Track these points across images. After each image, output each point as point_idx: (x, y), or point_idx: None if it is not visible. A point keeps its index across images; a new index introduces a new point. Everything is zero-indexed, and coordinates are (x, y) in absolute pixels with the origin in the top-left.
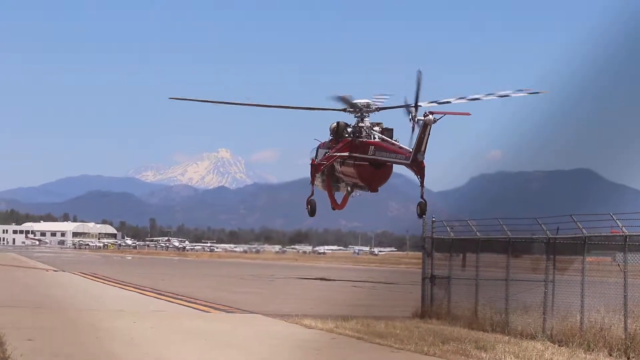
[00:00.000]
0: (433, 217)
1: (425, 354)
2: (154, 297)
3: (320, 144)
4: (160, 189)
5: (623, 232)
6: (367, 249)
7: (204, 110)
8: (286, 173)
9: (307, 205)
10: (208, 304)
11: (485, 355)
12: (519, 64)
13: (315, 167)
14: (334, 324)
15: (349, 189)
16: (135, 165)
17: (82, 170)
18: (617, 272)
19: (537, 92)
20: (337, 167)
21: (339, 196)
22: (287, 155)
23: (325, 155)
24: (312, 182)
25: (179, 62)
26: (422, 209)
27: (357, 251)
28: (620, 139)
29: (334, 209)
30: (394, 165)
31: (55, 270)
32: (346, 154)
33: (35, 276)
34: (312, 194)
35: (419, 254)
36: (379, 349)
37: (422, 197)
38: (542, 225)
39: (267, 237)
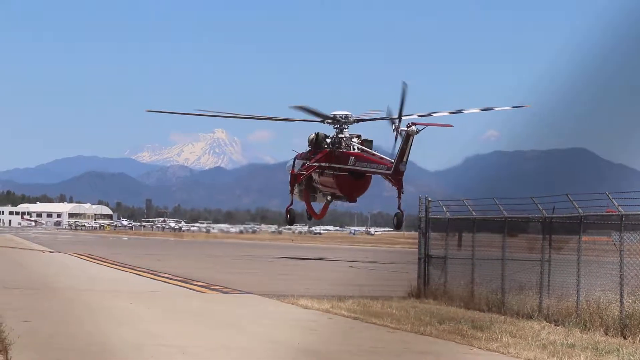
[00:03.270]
0: (428, 197)
1: (422, 334)
2: (150, 277)
3: (297, 155)
4: (156, 170)
5: (619, 211)
6: (363, 229)
7: (200, 90)
8: (282, 153)
9: (287, 215)
10: (204, 284)
11: (481, 334)
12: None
13: (294, 177)
14: (330, 304)
15: (328, 198)
16: (131, 146)
17: (78, 150)
18: (613, 252)
19: (520, 107)
20: (316, 177)
21: (316, 207)
22: (283, 135)
23: (303, 165)
24: (292, 192)
25: (171, 47)
26: (399, 220)
27: (353, 231)
28: (616, 117)
29: (310, 219)
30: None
31: (51, 252)
32: (326, 164)
33: (31, 257)
34: (292, 203)
35: (415, 233)
36: (375, 329)
37: (399, 207)
38: (538, 204)
39: (263, 217)
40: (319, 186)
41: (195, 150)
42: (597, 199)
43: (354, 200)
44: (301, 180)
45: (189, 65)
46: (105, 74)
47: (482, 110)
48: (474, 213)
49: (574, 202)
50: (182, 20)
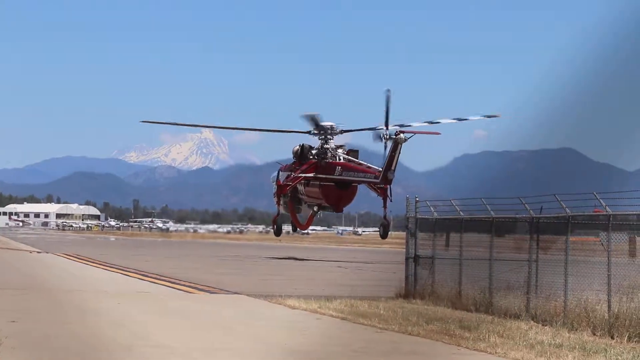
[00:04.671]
0: (416, 197)
1: (409, 334)
2: (138, 278)
3: (282, 167)
4: (144, 170)
5: (607, 211)
6: (350, 229)
7: (187, 91)
8: (269, 154)
9: (273, 225)
10: (192, 284)
11: (469, 334)
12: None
13: (280, 188)
14: (318, 304)
15: (314, 209)
16: (119, 146)
17: (66, 151)
18: (600, 252)
19: (491, 116)
20: (301, 188)
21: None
22: (269, 137)
23: (288, 177)
24: (278, 203)
25: (160, 47)
26: (385, 230)
27: (340, 231)
28: (604, 118)
29: (295, 230)
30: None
31: (39, 252)
32: (312, 175)
33: (19, 258)
34: (278, 214)
35: (403, 234)
36: (363, 329)
37: (385, 217)
38: (526, 204)
39: (251, 217)
40: (305, 197)
41: (183, 151)
42: (585, 199)
43: (341, 210)
44: (287, 191)
45: (178, 66)
46: (94, 75)
47: (456, 120)
48: (461, 213)
49: (561, 202)
50: (171, 20)
